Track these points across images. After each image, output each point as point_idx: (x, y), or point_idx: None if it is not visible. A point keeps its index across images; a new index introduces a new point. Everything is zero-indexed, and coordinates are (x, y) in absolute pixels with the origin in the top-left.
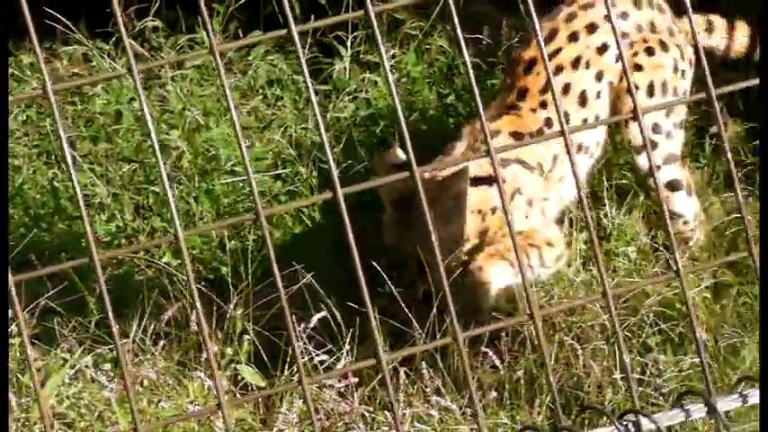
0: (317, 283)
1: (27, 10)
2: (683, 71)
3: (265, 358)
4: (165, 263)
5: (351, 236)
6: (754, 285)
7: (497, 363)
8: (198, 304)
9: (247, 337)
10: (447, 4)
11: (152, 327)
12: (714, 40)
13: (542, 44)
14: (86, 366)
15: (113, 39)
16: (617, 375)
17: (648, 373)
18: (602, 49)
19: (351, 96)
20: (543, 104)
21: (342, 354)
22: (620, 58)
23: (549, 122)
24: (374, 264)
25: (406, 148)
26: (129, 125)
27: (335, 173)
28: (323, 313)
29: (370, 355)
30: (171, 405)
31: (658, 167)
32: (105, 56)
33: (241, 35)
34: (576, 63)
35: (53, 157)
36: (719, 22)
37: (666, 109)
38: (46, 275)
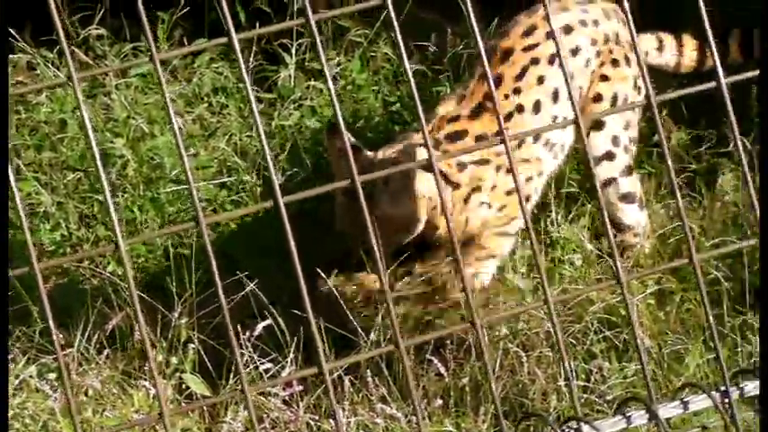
0: (261, 292)
1: None
2: (640, 87)
3: (210, 367)
4: (110, 272)
5: (292, 244)
6: (696, 292)
7: (442, 370)
8: (140, 313)
9: (192, 345)
10: (388, 13)
11: (96, 336)
12: (664, 58)
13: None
14: (30, 376)
15: (58, 47)
16: (561, 382)
17: (593, 380)
18: (575, 51)
19: (296, 104)
20: (516, 90)
21: (287, 362)
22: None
23: (520, 108)
24: (319, 271)
25: (348, 159)
26: (74, 134)
27: (276, 181)
28: (267, 321)
29: (314, 364)
30: (115, 414)
31: (614, 179)
32: (50, 64)
33: (186, 43)
34: (552, 60)
35: None
36: (669, 39)
37: (625, 122)
38: None
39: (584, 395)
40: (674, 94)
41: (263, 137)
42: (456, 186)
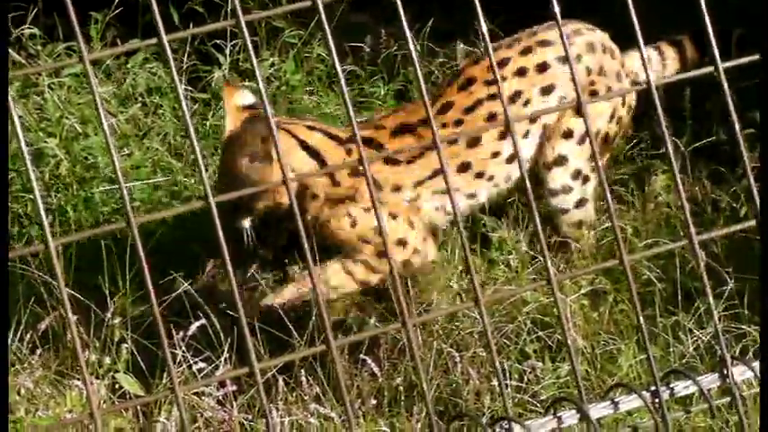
0: (195, 291)
1: None
2: (620, 117)
3: (144, 367)
4: (41, 272)
5: (223, 244)
6: (628, 293)
7: (376, 370)
8: (69, 313)
9: (125, 345)
10: (318, 12)
11: (29, 336)
12: (650, 73)
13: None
14: None
15: None
16: (495, 382)
17: (526, 379)
18: (548, 90)
19: None
20: (459, 122)
21: (220, 362)
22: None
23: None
24: (254, 272)
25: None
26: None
27: (207, 180)
28: (201, 321)
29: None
30: (48, 414)
31: (567, 210)
32: None
33: (119, 43)
34: (513, 98)
35: None
36: (653, 53)
37: (590, 153)
38: None
39: (518, 395)
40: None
41: (192, 135)
42: (335, 183)
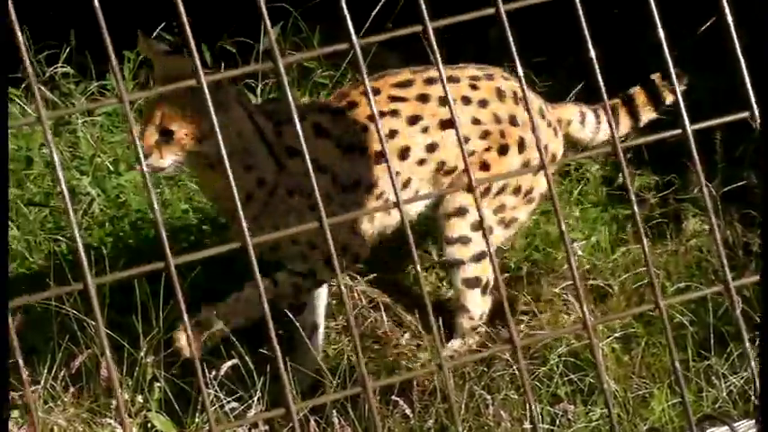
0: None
1: None
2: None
3: (176, 406)
4: (76, 310)
5: (261, 286)
6: (661, 336)
7: (408, 412)
8: (107, 352)
9: (158, 384)
10: (355, 55)
11: (62, 373)
12: (586, 131)
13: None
14: None
15: (24, 84)
16: (527, 425)
17: (558, 423)
18: (446, 124)
19: None
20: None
21: (253, 401)
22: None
23: None
24: (287, 312)
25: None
26: (40, 171)
27: (245, 223)
28: (234, 361)
29: (280, 403)
30: None
31: (462, 263)
32: (16, 101)
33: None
34: (412, 121)
35: None
36: (587, 110)
37: (497, 205)
38: None
39: None
40: (641, 140)
41: (230, 177)
42: (279, 164)
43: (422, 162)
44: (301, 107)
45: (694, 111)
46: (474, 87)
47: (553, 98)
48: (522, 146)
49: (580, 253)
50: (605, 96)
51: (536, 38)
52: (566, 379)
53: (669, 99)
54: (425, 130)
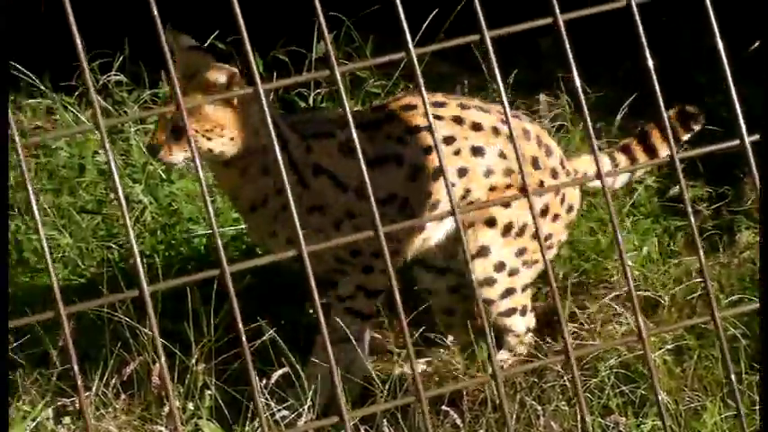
0: (280, 338)
1: None
2: (557, 215)
3: (227, 413)
4: (128, 317)
5: (316, 294)
6: (713, 348)
7: (458, 422)
8: (162, 359)
9: (209, 391)
10: (411, 64)
11: (114, 380)
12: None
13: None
14: (47, 419)
15: (77, 92)
16: None
17: None
18: (478, 150)
19: None
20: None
21: (303, 410)
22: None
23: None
24: (337, 320)
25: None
26: (93, 178)
27: (300, 230)
28: (285, 369)
29: (329, 412)
30: None
31: (493, 301)
32: (69, 108)
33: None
34: (447, 141)
35: (16, 209)
36: (605, 159)
37: (518, 248)
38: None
39: None
40: (697, 151)
41: (286, 184)
42: (302, 182)
43: (452, 185)
44: (333, 121)
45: (750, 123)
46: (503, 122)
47: (606, 109)
48: (541, 186)
49: (631, 264)
50: (662, 105)
51: (588, 48)
52: (617, 391)
53: (685, 137)
54: (457, 152)
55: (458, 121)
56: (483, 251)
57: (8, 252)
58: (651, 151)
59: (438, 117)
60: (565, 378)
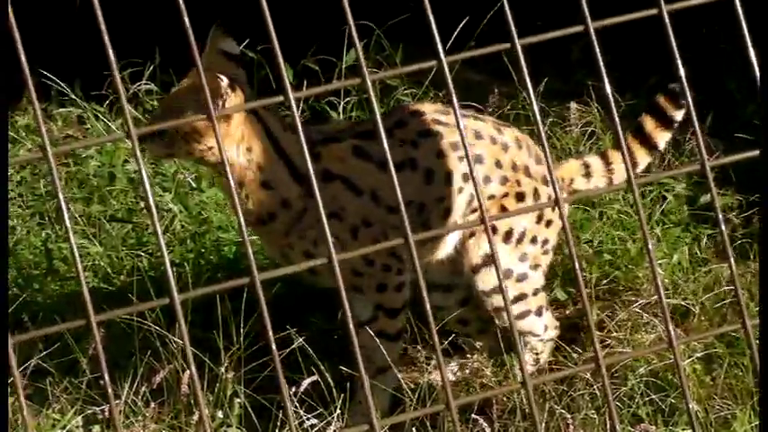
0: (309, 347)
1: (28, 75)
2: (550, 221)
3: (256, 421)
4: (157, 325)
5: (346, 302)
6: (743, 357)
7: (488, 430)
8: (192, 367)
9: (238, 400)
10: (442, 72)
11: (143, 389)
12: (593, 183)
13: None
14: (77, 427)
15: (108, 101)
16: None
17: None
18: (478, 158)
19: None
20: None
21: (332, 418)
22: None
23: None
24: (367, 328)
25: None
26: (123, 187)
27: (330, 240)
28: (314, 377)
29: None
30: None
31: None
32: (100, 117)
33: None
34: (454, 147)
35: (46, 218)
36: (596, 161)
37: (521, 254)
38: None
39: None
40: (729, 159)
41: (318, 196)
42: (310, 192)
43: (460, 190)
44: (341, 130)
45: None
46: (498, 131)
47: (636, 117)
48: (536, 196)
49: (661, 272)
50: (693, 113)
51: (619, 56)
52: (647, 399)
53: (679, 115)
54: (462, 159)
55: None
56: (489, 260)
57: (7, 250)
58: (648, 143)
59: (442, 123)
60: (594, 386)
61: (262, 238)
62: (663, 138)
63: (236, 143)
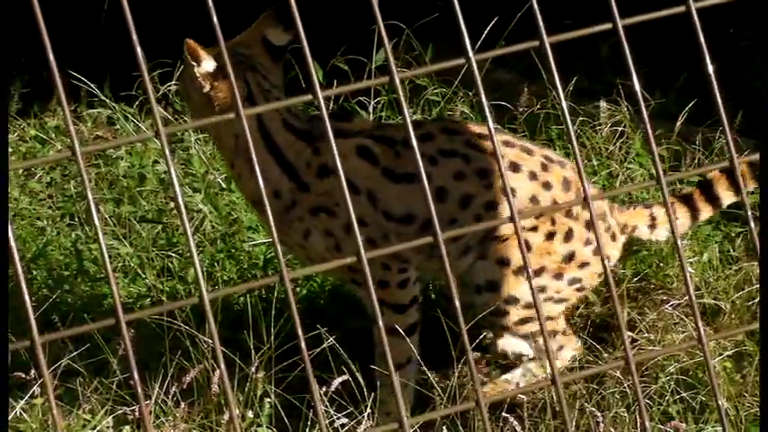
0: (339, 346)
1: (57, 77)
2: (586, 263)
3: (286, 421)
4: (188, 325)
5: (375, 301)
6: None
7: (518, 428)
8: (222, 367)
9: (268, 399)
10: (471, 70)
11: (173, 389)
12: (656, 234)
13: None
14: (107, 427)
15: (137, 102)
16: None
17: None
18: (514, 168)
19: None
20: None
21: (363, 417)
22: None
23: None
24: (397, 327)
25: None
26: (153, 187)
27: (360, 239)
28: (344, 377)
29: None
30: None
31: (508, 328)
32: (130, 118)
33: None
34: (515, 167)
35: (76, 219)
36: (659, 212)
37: (538, 287)
38: (68, 336)
39: None
40: (756, 157)
41: (346, 194)
42: (301, 186)
43: (477, 217)
44: (352, 128)
45: None
46: (544, 168)
47: (666, 115)
48: (568, 236)
49: (692, 270)
50: (722, 111)
51: (648, 55)
52: (677, 397)
53: (752, 186)
54: (488, 187)
55: (507, 143)
56: (489, 285)
57: (8, 247)
58: (714, 200)
59: (476, 148)
60: (625, 384)
61: (261, 218)
62: (729, 200)
63: (223, 123)
